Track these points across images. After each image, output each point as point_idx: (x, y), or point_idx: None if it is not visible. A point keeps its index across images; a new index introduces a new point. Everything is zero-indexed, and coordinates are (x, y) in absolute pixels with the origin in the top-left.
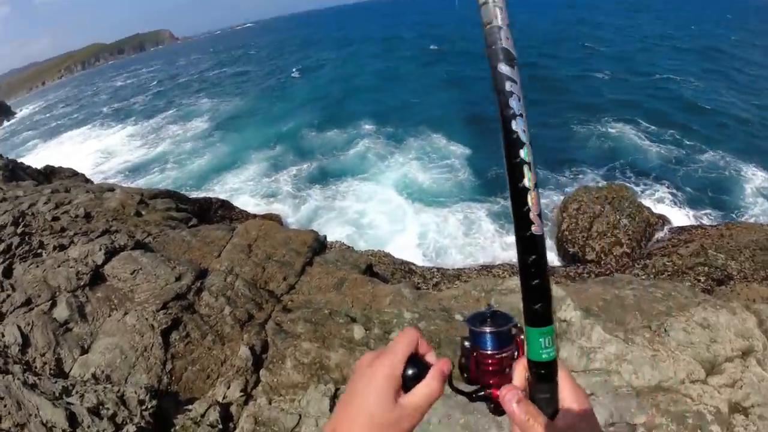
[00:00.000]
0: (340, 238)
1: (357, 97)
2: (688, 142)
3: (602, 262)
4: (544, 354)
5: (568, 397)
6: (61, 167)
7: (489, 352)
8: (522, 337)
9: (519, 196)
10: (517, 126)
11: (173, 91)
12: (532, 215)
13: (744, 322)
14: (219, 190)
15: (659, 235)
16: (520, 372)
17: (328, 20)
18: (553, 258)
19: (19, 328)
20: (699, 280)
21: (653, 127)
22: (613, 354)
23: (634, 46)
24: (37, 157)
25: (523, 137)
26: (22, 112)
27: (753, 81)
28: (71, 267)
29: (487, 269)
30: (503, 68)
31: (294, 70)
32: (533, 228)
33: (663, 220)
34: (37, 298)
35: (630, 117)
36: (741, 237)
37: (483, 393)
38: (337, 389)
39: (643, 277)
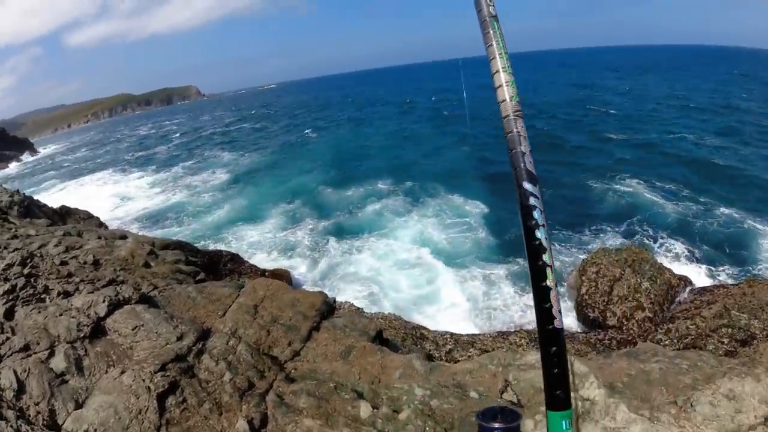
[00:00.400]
0: (356, 294)
1: (373, 156)
2: (702, 199)
3: (624, 328)
4: None
5: None
6: (76, 209)
7: None
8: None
9: (542, 294)
10: (540, 234)
11: (195, 143)
12: (554, 311)
13: None
14: (235, 242)
15: (681, 297)
16: None
17: (348, 83)
18: (573, 323)
19: (15, 373)
20: (722, 342)
21: (668, 185)
22: None
23: (644, 106)
24: (54, 196)
25: (545, 243)
26: (45, 151)
27: (766, 135)
28: (73, 317)
29: (503, 336)
30: (527, 186)
31: (308, 129)
32: (555, 322)
33: (685, 281)
34: (36, 346)
35: (644, 175)
36: (763, 294)
37: None
38: None
39: (666, 342)
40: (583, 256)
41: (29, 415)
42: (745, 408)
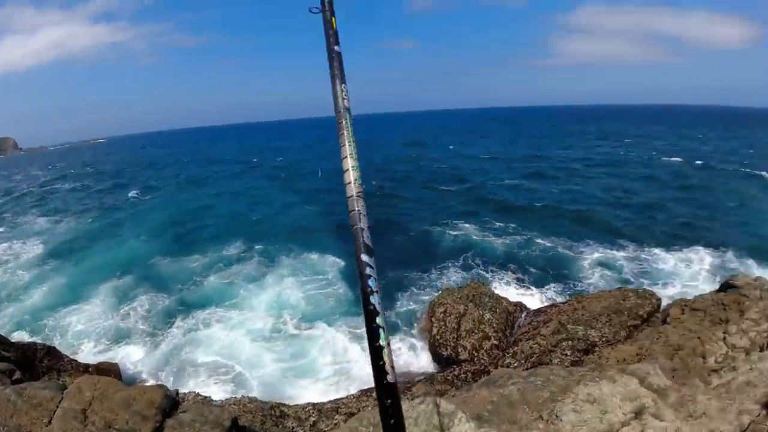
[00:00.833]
0: (209, 378)
1: (219, 219)
2: (524, 232)
3: (475, 359)
4: None
5: None
6: None
7: None
8: None
9: (376, 353)
10: (374, 300)
11: (4, 207)
12: (387, 367)
13: (626, 386)
14: (58, 333)
15: (520, 320)
16: None
17: (181, 140)
18: (428, 365)
19: None
20: (566, 355)
21: (494, 225)
22: None
23: (460, 163)
24: None
25: (378, 308)
26: None
27: (569, 176)
28: None
29: (366, 394)
30: (364, 257)
31: (137, 191)
32: (388, 377)
33: (520, 306)
34: None
35: (473, 218)
36: (592, 306)
37: None
38: None
39: (516, 364)
40: (432, 295)
41: None
42: (610, 408)
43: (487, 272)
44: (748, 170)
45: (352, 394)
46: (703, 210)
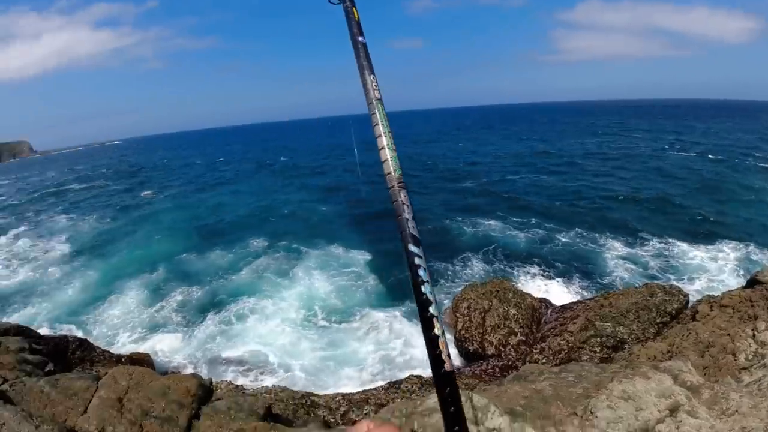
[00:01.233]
0: (241, 366)
1: (238, 216)
2: (547, 225)
3: (503, 354)
4: None
5: None
6: None
7: None
8: None
9: (432, 342)
10: (426, 290)
11: (25, 206)
12: (443, 356)
13: (660, 383)
14: (94, 326)
15: (546, 317)
16: None
17: (194, 141)
18: (455, 359)
19: None
20: (595, 351)
21: (516, 219)
22: None
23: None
24: None
25: (431, 297)
26: None
27: (583, 170)
28: None
29: (395, 386)
30: (412, 248)
31: (151, 190)
32: (445, 366)
33: (545, 302)
34: None
35: (491, 213)
36: (619, 303)
37: None
38: None
39: (544, 360)
40: (455, 291)
41: None
42: (645, 405)
43: (511, 267)
44: (763, 164)
45: (381, 386)
46: (720, 204)
